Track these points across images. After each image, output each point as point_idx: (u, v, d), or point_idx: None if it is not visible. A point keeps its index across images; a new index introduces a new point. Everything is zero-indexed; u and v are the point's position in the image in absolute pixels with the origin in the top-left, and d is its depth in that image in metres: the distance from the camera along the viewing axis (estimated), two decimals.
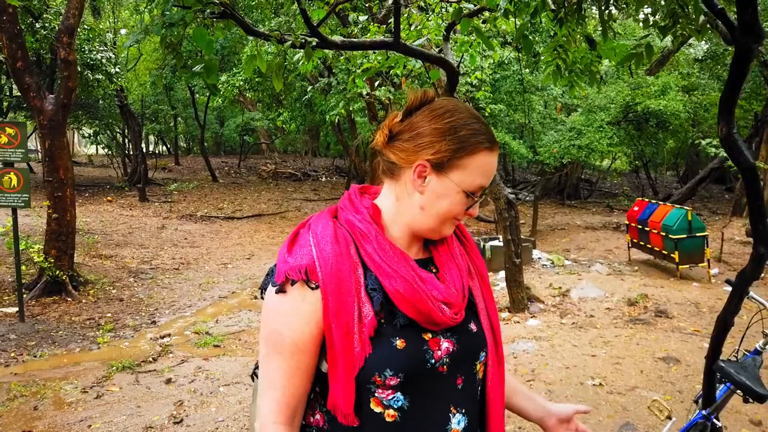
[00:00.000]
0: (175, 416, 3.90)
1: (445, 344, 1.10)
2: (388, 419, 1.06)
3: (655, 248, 8.65)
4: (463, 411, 1.12)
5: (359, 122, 14.08)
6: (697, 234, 8.19)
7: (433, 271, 1.16)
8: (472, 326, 1.16)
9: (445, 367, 1.09)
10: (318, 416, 1.13)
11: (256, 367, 1.26)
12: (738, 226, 12.43)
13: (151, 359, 5.08)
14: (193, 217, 13.60)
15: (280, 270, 1.08)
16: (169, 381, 4.54)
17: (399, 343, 1.05)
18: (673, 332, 5.67)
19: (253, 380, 1.28)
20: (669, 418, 2.65)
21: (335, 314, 1.04)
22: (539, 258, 9.36)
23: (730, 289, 2.37)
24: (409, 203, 1.13)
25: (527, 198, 16.37)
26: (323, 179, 21.77)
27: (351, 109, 11.45)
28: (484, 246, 9.43)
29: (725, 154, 7.38)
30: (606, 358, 4.77)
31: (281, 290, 1.07)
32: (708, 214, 15.22)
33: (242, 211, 14.65)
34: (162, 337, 5.76)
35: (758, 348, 2.68)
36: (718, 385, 2.50)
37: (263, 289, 1.13)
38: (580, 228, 13.21)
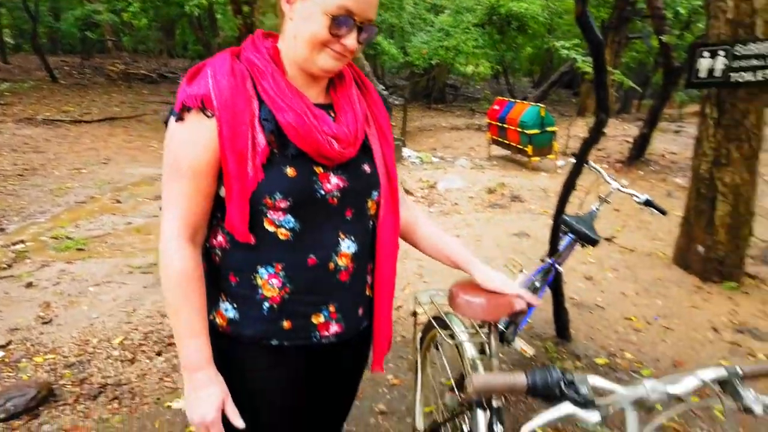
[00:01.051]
0: (42, 317, 3.70)
1: (335, 180, 1.18)
2: (281, 237, 1.16)
3: (512, 143, 9.38)
4: (353, 238, 1.23)
5: (221, 19, 13.06)
6: (548, 129, 8.98)
7: (332, 115, 1.22)
8: (366, 167, 1.25)
9: (334, 199, 1.19)
10: (221, 238, 1.21)
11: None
12: (581, 125, 13.77)
13: (5, 266, 4.67)
14: (33, 120, 12.08)
15: (178, 99, 1.11)
16: (30, 285, 4.24)
17: (290, 171, 1.13)
18: (525, 213, 6.34)
19: None
20: (521, 271, 3.05)
21: (230, 141, 1.09)
22: (409, 156, 9.74)
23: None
24: (289, 36, 1.16)
25: (397, 101, 16.65)
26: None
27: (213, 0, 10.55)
28: None
29: (576, 57, 8.02)
30: (469, 237, 5.25)
31: (180, 118, 1.12)
32: (557, 116, 16.60)
33: (92, 115, 13.27)
34: (14, 244, 5.28)
35: (593, 208, 3.12)
36: (562, 237, 2.91)
37: (166, 122, 1.16)
38: (445, 129, 13.82)
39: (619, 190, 3.14)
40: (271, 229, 1.16)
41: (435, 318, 1.80)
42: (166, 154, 1.14)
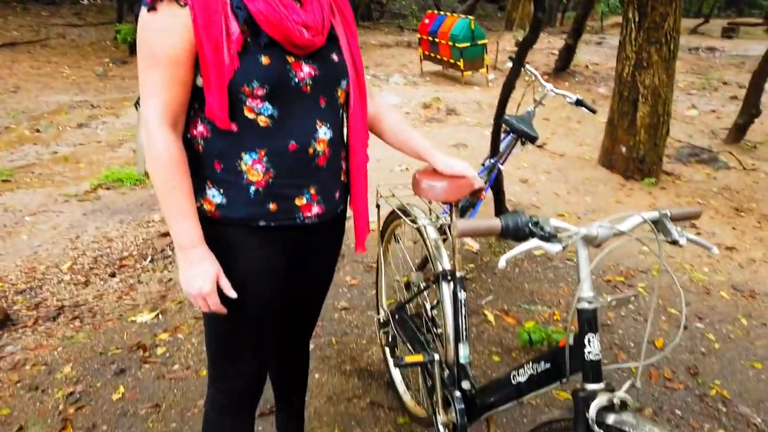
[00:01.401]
0: None
1: (307, 68, 1.23)
2: (261, 124, 1.22)
3: (444, 58, 9.41)
4: (328, 125, 1.31)
5: None
6: (478, 42, 9.05)
7: (298, 5, 1.25)
8: (334, 57, 1.30)
9: (308, 87, 1.24)
10: (201, 128, 1.25)
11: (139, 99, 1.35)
12: (508, 39, 13.91)
13: None
14: None
15: None
16: None
17: (264, 59, 1.17)
18: (461, 126, 6.52)
19: (136, 109, 1.37)
20: None
21: (204, 29, 1.12)
22: None
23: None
24: None
25: None
26: (86, 1, 18.51)
27: None
28: None
29: None
30: None
31: (152, 8, 1.14)
32: (485, 31, 16.63)
33: None
34: None
35: (529, 110, 3.30)
36: (503, 137, 3.08)
37: (136, 16, 1.16)
38: (375, 47, 13.56)
39: (552, 91, 3.32)
40: (250, 116, 1.21)
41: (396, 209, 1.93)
42: (140, 44, 1.16)
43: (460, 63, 8.96)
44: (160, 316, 2.88)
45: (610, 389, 1.08)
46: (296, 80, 1.22)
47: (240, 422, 1.48)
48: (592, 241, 1.06)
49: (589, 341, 1.08)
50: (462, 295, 1.60)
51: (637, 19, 4.60)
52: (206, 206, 1.28)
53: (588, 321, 1.08)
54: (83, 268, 3.41)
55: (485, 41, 9.21)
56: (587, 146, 6.09)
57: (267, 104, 1.21)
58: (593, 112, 3.28)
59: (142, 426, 2.08)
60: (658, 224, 1.11)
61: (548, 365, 1.20)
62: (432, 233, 1.78)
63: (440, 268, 1.67)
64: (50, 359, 2.49)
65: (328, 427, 2.08)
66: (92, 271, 3.39)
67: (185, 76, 1.17)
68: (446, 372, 1.63)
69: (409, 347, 1.85)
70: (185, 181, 1.21)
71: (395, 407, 2.17)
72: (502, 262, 0.96)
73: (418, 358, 1.62)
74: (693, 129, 6.99)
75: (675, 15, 4.54)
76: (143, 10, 1.13)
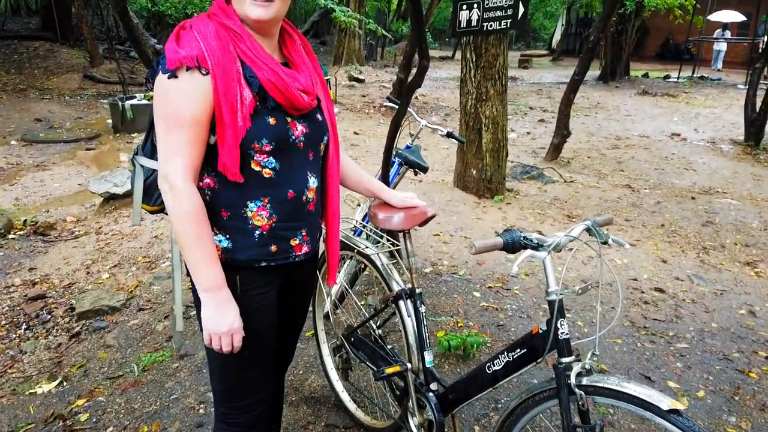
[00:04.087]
0: None
1: (300, 127, 1.44)
2: (266, 176, 1.39)
3: None
4: (315, 175, 1.51)
5: None
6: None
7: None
8: (319, 116, 1.52)
9: (302, 143, 1.45)
10: (208, 180, 1.39)
11: (135, 153, 1.41)
12: (341, 73, 14.67)
13: None
14: None
15: (172, 59, 1.26)
16: None
17: (271, 120, 1.36)
18: None
19: (133, 164, 1.43)
20: (359, 205, 3.49)
21: (224, 95, 1.28)
22: None
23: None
24: None
25: None
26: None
27: None
28: (123, 106, 8.86)
29: (333, 6, 8.53)
30: None
31: (174, 75, 1.24)
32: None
33: None
34: None
35: (409, 144, 3.69)
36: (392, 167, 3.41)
37: (150, 80, 1.29)
38: None
39: (426, 126, 3.75)
40: (257, 169, 1.37)
41: (341, 241, 2.12)
42: (162, 108, 1.27)
43: None
44: (64, 383, 2.68)
45: (579, 359, 1.40)
46: (294, 137, 1.41)
47: None
48: (555, 248, 1.39)
49: (560, 324, 1.40)
50: (422, 308, 1.85)
51: (474, 59, 5.32)
52: None
53: (558, 309, 1.40)
54: None
55: (328, 77, 9.67)
56: (438, 171, 6.75)
57: (271, 158, 1.38)
58: (462, 142, 3.77)
59: None
60: (590, 231, 1.48)
61: (524, 350, 1.50)
62: (383, 259, 2.01)
63: (397, 288, 1.90)
64: None
65: None
66: None
67: (204, 136, 1.31)
68: (414, 378, 1.86)
69: (370, 365, 2.05)
70: (209, 230, 1.32)
71: (350, 425, 2.32)
72: (514, 269, 1.25)
73: (396, 368, 1.82)
74: (518, 150, 8.09)
75: (504, 55, 5.35)
76: (163, 77, 1.25)
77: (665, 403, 1.23)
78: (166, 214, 1.50)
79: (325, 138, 1.54)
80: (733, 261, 4.44)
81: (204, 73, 1.25)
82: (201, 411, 2.41)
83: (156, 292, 3.54)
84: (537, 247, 1.34)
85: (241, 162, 1.33)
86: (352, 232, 2.69)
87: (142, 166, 1.48)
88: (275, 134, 1.35)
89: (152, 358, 2.80)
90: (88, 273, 3.94)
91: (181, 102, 1.25)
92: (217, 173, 1.35)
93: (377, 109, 11.16)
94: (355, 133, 8.58)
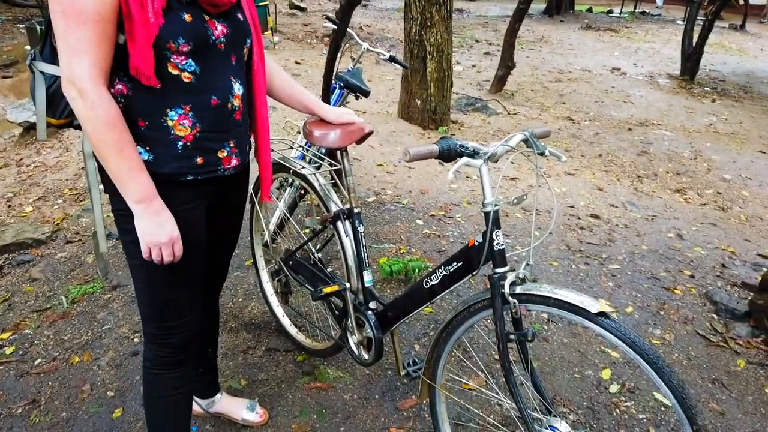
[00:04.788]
0: None
1: (220, 27, 1.30)
2: (185, 80, 1.26)
3: None
4: (240, 82, 1.39)
5: None
6: (260, 4, 8.96)
7: None
8: (239, 16, 1.38)
9: (222, 45, 1.31)
10: (120, 86, 1.25)
11: (33, 59, 1.25)
12: (281, 1, 13.97)
13: None
14: None
15: None
16: None
17: (187, 17, 1.22)
18: None
19: (31, 70, 1.27)
20: (299, 132, 3.37)
21: None
22: None
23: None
24: None
25: None
26: None
27: None
28: (41, 29, 8.13)
29: None
30: None
31: None
32: None
33: None
34: None
35: (350, 68, 3.55)
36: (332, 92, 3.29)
37: None
38: None
39: (368, 49, 3.60)
40: (175, 72, 1.23)
41: (278, 163, 2.03)
42: (60, 3, 1.10)
43: None
44: None
45: (513, 270, 1.41)
46: (213, 37, 1.28)
47: (186, 372, 1.52)
48: (492, 158, 1.36)
49: (496, 235, 1.39)
50: (361, 228, 1.81)
51: None
52: None
53: (494, 220, 1.38)
54: None
55: (267, 2, 9.16)
56: (382, 102, 6.62)
57: (190, 60, 1.25)
58: (405, 67, 3.66)
59: (23, 423, 1.91)
60: (527, 142, 1.46)
61: (461, 263, 1.49)
62: (321, 179, 1.94)
63: (335, 209, 1.85)
64: None
65: (233, 379, 2.15)
66: None
67: (111, 33, 1.16)
68: (353, 297, 1.84)
69: (309, 287, 2.02)
70: (130, 136, 1.21)
71: (291, 348, 2.32)
72: (450, 175, 1.20)
73: (334, 287, 1.80)
74: (463, 82, 8.02)
75: None
76: None
77: (594, 306, 1.25)
78: (76, 127, 1.37)
79: (248, 41, 1.41)
80: (665, 188, 4.62)
81: None
82: (136, 340, 2.34)
83: (85, 225, 3.36)
84: (473, 155, 1.30)
85: (156, 65, 1.20)
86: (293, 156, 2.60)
87: (42, 72, 1.31)
88: (193, 33, 1.21)
89: (82, 290, 2.68)
90: (9, 206, 3.69)
91: None
92: (130, 78, 1.21)
93: (320, 39, 10.73)
94: (297, 62, 8.24)
